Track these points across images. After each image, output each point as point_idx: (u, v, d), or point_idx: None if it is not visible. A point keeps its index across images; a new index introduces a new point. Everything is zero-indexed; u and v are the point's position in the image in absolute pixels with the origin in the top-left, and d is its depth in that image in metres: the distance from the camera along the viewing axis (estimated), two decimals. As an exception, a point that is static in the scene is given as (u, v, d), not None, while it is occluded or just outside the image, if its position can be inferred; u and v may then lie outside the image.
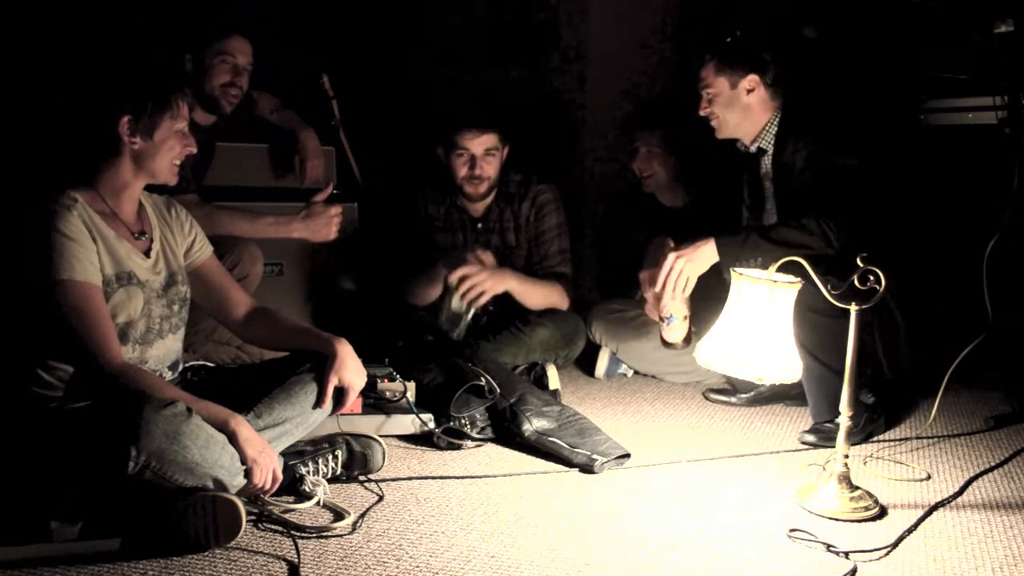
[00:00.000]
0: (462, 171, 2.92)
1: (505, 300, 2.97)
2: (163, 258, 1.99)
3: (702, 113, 2.65)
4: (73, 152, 1.93)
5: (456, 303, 2.78)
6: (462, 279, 2.76)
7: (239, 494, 1.75)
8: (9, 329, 1.88)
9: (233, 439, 1.76)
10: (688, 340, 2.67)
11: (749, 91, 2.58)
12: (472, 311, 2.80)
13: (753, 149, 2.64)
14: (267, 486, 1.81)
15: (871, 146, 2.61)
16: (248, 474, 1.77)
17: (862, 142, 2.55)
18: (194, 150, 1.97)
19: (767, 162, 2.63)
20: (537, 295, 2.96)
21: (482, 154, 2.91)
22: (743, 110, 2.60)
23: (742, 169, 2.74)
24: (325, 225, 2.66)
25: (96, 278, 1.82)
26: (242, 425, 1.79)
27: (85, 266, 1.80)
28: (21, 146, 2.64)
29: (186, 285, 2.05)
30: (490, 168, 2.93)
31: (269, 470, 1.80)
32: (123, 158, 1.88)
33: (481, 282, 2.77)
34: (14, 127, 2.74)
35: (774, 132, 2.60)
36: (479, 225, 3.05)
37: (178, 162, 1.95)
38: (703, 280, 2.46)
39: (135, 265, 1.91)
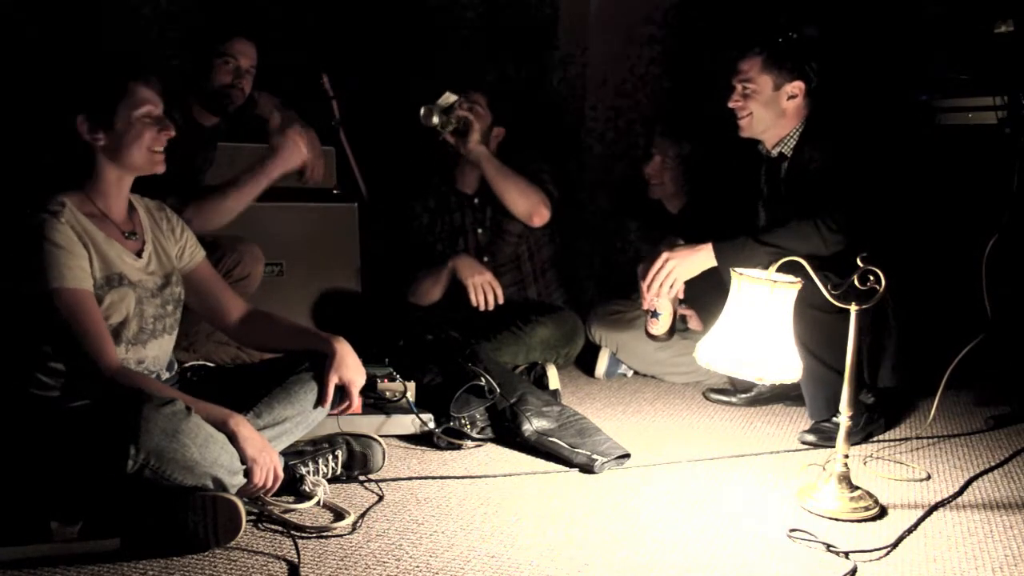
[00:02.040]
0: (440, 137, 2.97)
1: (506, 296, 2.99)
2: (156, 259, 1.99)
3: (732, 106, 2.55)
4: (59, 157, 1.93)
5: (441, 100, 2.90)
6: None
7: (239, 494, 1.75)
8: (7, 331, 1.88)
9: (233, 438, 1.76)
10: (671, 333, 2.67)
11: (791, 97, 2.49)
12: (454, 107, 2.91)
13: (774, 153, 2.59)
14: (268, 485, 1.81)
15: (883, 151, 2.58)
16: (248, 473, 1.77)
17: (875, 148, 2.51)
18: (171, 133, 1.91)
19: (785, 167, 2.57)
20: (511, 179, 2.92)
21: (466, 107, 2.93)
22: (778, 114, 2.51)
23: (761, 172, 2.67)
24: (294, 150, 2.59)
25: (87, 284, 1.82)
26: (242, 425, 1.79)
27: (76, 273, 1.80)
28: (10, 151, 2.64)
29: (180, 286, 2.05)
30: (474, 121, 2.92)
31: (269, 469, 1.80)
32: (98, 156, 1.88)
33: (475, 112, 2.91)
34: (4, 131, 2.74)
35: (796, 139, 2.54)
36: (475, 200, 3.07)
37: (158, 148, 1.90)
38: (710, 273, 2.45)
39: (126, 266, 1.91)
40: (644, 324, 2.72)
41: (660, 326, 2.65)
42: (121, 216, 1.95)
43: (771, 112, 2.52)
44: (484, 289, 2.89)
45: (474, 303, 2.89)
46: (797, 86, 2.49)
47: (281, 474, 1.84)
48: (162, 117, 1.92)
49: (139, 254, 1.96)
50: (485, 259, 3.05)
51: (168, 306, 2.00)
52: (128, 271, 1.91)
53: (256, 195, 2.59)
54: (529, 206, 2.94)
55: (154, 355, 1.97)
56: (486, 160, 2.91)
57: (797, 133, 2.54)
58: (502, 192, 2.92)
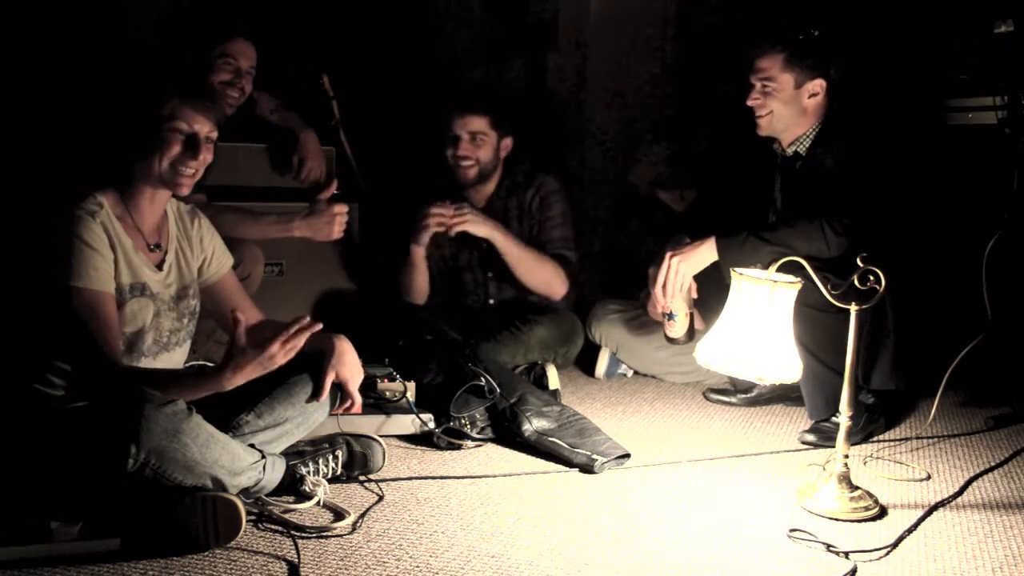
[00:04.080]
0: (449, 153, 2.91)
1: (505, 286, 2.98)
2: (176, 270, 1.99)
3: (751, 104, 2.52)
4: (94, 158, 1.93)
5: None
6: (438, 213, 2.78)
7: (275, 492, 1.78)
8: (18, 327, 1.88)
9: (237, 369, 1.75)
10: (691, 335, 2.68)
11: (812, 95, 2.48)
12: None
13: (790, 152, 2.57)
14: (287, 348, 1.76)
15: (895, 155, 2.57)
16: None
17: (888, 151, 2.50)
18: (198, 158, 1.88)
19: (799, 166, 2.56)
20: (527, 260, 2.89)
21: (467, 136, 2.89)
22: (799, 112, 2.49)
23: (774, 171, 2.66)
24: (327, 224, 2.62)
25: (110, 287, 1.83)
26: (236, 376, 1.77)
27: (101, 275, 1.81)
28: (46, 147, 2.66)
29: (196, 299, 2.05)
30: (477, 151, 2.90)
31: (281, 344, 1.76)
32: (134, 165, 1.88)
33: (463, 214, 2.79)
34: (35, 129, 2.76)
35: (812, 138, 2.53)
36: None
37: (183, 168, 1.88)
38: (712, 271, 2.45)
39: (147, 276, 1.92)
40: (663, 330, 2.72)
41: (678, 328, 2.65)
42: (151, 227, 1.96)
43: (792, 110, 2.50)
44: (440, 215, 2.80)
45: (450, 223, 2.80)
46: (819, 84, 2.48)
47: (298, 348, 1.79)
48: (194, 137, 1.87)
49: (160, 266, 1.96)
50: (489, 274, 3.02)
51: (183, 319, 2.01)
52: (149, 282, 1.92)
53: (267, 237, 2.63)
54: (540, 284, 2.93)
55: (164, 367, 1.97)
56: (501, 242, 2.86)
57: (813, 132, 2.53)
58: (514, 269, 2.90)
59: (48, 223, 1.82)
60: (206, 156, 1.91)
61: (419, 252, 2.91)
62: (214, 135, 1.93)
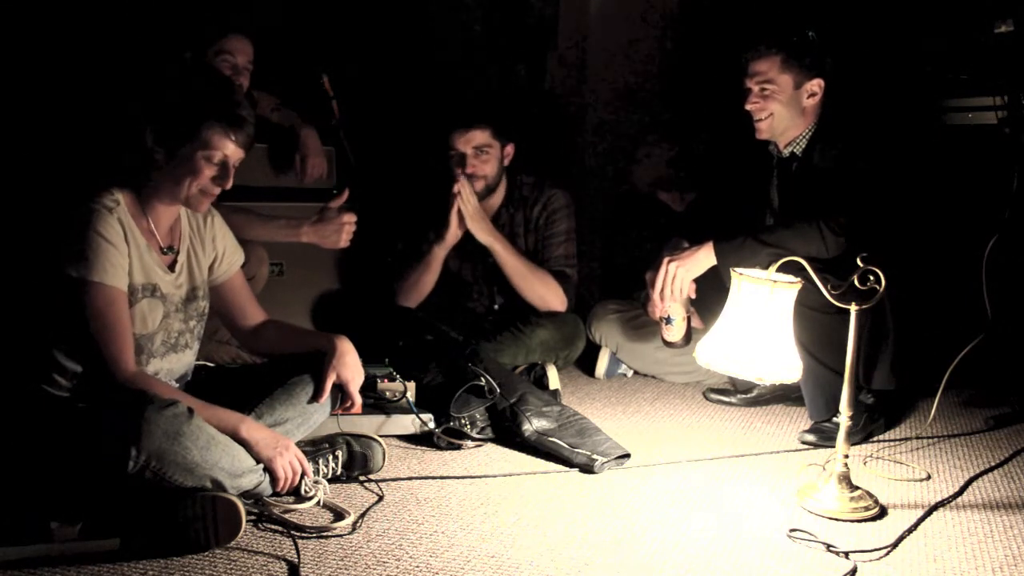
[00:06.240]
0: (456, 172, 2.87)
1: (509, 297, 2.96)
2: (187, 272, 1.99)
3: (750, 108, 2.51)
4: (116, 156, 1.93)
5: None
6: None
7: (274, 493, 1.80)
8: (27, 323, 1.88)
9: (246, 445, 1.80)
10: (688, 339, 2.68)
11: (811, 95, 2.48)
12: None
13: (786, 153, 2.57)
14: (293, 477, 1.84)
15: (892, 154, 2.56)
16: (271, 474, 1.81)
17: (884, 150, 2.50)
18: (226, 187, 1.88)
19: (796, 167, 2.56)
20: (526, 274, 2.88)
21: (472, 152, 2.85)
22: (798, 113, 2.49)
23: (770, 173, 2.65)
24: (335, 231, 2.60)
25: (124, 284, 1.82)
26: (253, 429, 1.82)
27: (117, 271, 1.80)
28: (66, 141, 2.65)
29: (206, 300, 2.05)
30: (484, 166, 2.87)
31: (289, 461, 1.84)
32: (154, 171, 1.86)
33: (473, 208, 2.80)
34: (59, 121, 2.75)
35: (808, 139, 2.53)
36: None
37: (209, 192, 1.88)
38: (710, 272, 2.45)
39: (159, 277, 1.92)
40: (659, 333, 2.72)
41: (675, 332, 2.65)
42: (165, 228, 1.96)
43: (792, 111, 2.50)
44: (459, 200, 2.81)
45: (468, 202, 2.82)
46: (817, 83, 2.48)
47: (305, 461, 1.87)
48: (226, 165, 1.86)
49: (172, 267, 1.96)
50: (496, 288, 3.01)
51: (191, 321, 2.01)
52: (161, 283, 1.92)
53: (274, 240, 2.62)
54: (537, 299, 2.90)
55: (170, 368, 1.97)
56: (500, 252, 2.84)
57: (809, 133, 2.53)
58: (513, 281, 2.88)
59: (64, 216, 1.81)
60: (231, 181, 1.91)
61: (440, 255, 2.88)
62: (240, 161, 1.92)
